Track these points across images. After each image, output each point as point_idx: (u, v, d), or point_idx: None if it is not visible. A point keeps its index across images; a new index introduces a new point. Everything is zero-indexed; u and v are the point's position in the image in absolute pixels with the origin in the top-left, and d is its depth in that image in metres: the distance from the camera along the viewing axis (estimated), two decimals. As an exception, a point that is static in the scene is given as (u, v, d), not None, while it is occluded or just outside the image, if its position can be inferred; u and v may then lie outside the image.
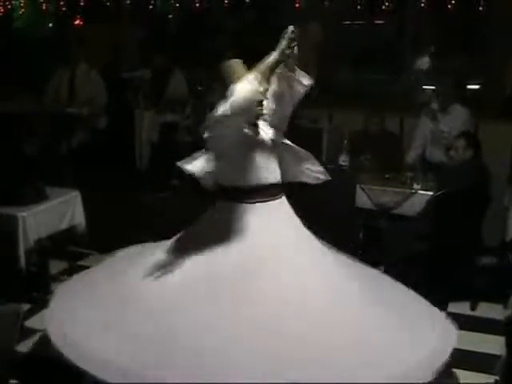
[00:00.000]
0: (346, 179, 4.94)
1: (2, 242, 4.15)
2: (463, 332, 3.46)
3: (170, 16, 8.03)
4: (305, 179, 3.41)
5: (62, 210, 4.54)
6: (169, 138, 6.57)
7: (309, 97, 3.33)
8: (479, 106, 5.74)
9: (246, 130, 3.03)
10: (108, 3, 7.59)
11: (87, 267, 4.26)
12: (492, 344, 3.80)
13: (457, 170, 4.52)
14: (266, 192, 3.21)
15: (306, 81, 3.20)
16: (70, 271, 4.51)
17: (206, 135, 3.00)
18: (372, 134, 5.44)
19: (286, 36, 3.08)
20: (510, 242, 4.47)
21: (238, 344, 2.85)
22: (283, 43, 3.08)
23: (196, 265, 3.16)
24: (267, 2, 7.05)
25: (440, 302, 3.73)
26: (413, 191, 4.71)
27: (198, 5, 7.33)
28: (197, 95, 6.55)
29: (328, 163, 5.46)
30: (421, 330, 3.17)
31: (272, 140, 3.23)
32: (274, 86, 3.21)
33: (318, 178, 3.42)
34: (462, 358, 3.36)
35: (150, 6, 7.57)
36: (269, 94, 3.16)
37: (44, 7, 7.92)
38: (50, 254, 4.59)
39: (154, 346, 2.88)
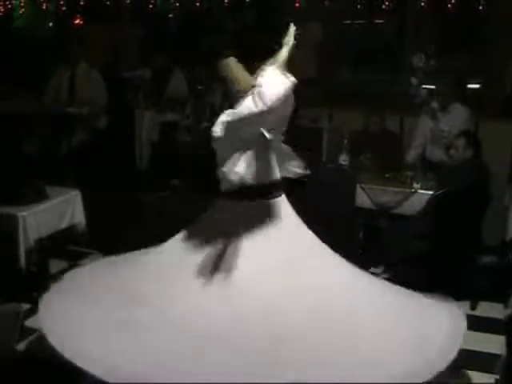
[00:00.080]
0: (346, 179, 4.94)
1: (2, 242, 4.15)
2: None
3: (170, 15, 8.04)
4: (285, 174, 3.39)
5: (62, 210, 4.55)
6: (169, 138, 6.58)
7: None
8: (479, 105, 5.73)
9: (264, 131, 3.03)
10: (108, 3, 7.60)
11: (87, 267, 4.26)
12: (492, 343, 3.80)
13: (457, 169, 4.52)
14: (267, 191, 3.21)
15: (291, 78, 3.22)
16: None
17: (218, 134, 2.96)
18: (372, 134, 5.44)
19: (291, 32, 3.14)
20: (510, 241, 4.47)
21: (238, 343, 2.85)
22: (290, 39, 3.13)
23: (196, 264, 3.16)
24: (267, 1, 7.05)
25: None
26: (413, 190, 4.70)
27: (198, 4, 7.34)
28: (197, 95, 6.55)
29: (328, 163, 5.49)
30: (426, 330, 3.15)
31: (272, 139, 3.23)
32: None
33: (298, 173, 3.40)
34: (462, 358, 3.36)
35: (150, 6, 7.58)
36: None
37: (44, 7, 7.93)
38: (50, 254, 4.60)
39: (152, 345, 2.88)
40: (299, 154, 3.36)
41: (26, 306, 3.82)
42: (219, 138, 2.96)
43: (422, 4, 6.28)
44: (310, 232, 3.35)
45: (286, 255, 3.16)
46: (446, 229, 4.24)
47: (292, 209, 3.35)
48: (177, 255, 3.26)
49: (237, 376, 2.72)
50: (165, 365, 2.80)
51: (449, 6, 6.14)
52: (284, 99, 3.00)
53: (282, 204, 3.30)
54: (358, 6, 6.61)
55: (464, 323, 3.23)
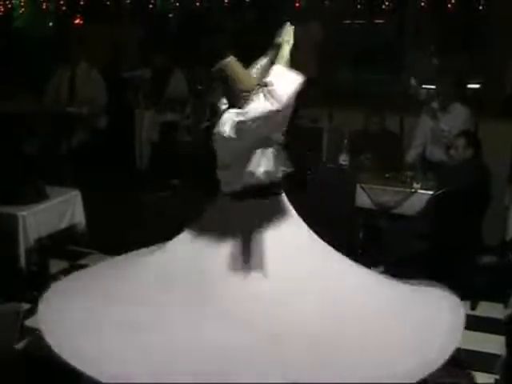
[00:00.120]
0: (346, 179, 4.94)
1: (3, 242, 4.16)
2: (463, 331, 3.44)
3: (170, 15, 8.04)
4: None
5: (62, 209, 4.55)
6: (169, 138, 6.58)
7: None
8: (479, 105, 5.74)
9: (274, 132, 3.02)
10: (108, 2, 7.60)
11: (87, 266, 4.25)
12: (492, 343, 3.81)
13: (457, 169, 4.52)
14: (267, 189, 3.20)
15: (300, 76, 3.22)
16: (70, 270, 4.50)
17: (229, 134, 2.91)
18: (372, 134, 5.44)
19: (289, 31, 3.15)
20: (510, 241, 4.47)
21: (238, 343, 2.85)
22: (289, 38, 3.14)
23: (197, 264, 3.16)
24: (267, 1, 7.05)
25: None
26: (413, 190, 4.71)
27: (198, 4, 7.34)
28: (197, 95, 6.54)
29: (328, 163, 5.49)
30: (426, 328, 3.15)
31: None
32: None
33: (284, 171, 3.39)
34: (462, 358, 3.37)
35: (150, 6, 7.58)
36: None
37: (44, 6, 7.93)
38: (50, 253, 4.60)
39: (151, 346, 2.88)
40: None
41: (25, 306, 3.83)
42: (231, 139, 2.92)
43: (422, 4, 6.28)
44: (311, 232, 3.35)
45: (286, 255, 3.16)
46: (446, 229, 4.24)
47: (292, 208, 3.35)
48: (178, 256, 3.26)
49: (237, 375, 2.72)
50: (164, 365, 2.79)
51: (449, 5, 6.14)
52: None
53: (282, 203, 3.30)
54: (358, 6, 6.61)
55: (463, 315, 3.23)
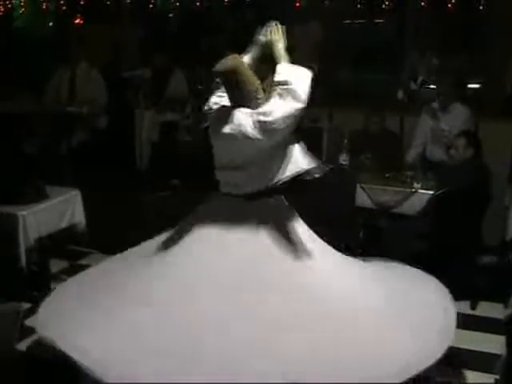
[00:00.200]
0: (346, 178, 4.94)
1: (3, 241, 4.16)
2: (463, 331, 3.45)
3: (171, 15, 8.05)
4: None
5: (62, 209, 4.55)
6: (169, 138, 6.58)
7: (309, 96, 3.32)
8: (479, 105, 5.75)
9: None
10: (108, 2, 7.61)
11: (87, 266, 4.25)
12: (492, 343, 3.80)
13: (457, 168, 4.52)
14: (267, 189, 3.20)
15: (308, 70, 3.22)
16: (71, 270, 4.51)
17: (255, 135, 2.86)
18: (372, 134, 5.44)
19: (274, 29, 3.10)
20: (510, 241, 4.46)
21: (238, 343, 2.84)
22: (278, 35, 3.09)
23: (198, 264, 3.16)
24: (267, 1, 7.05)
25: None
26: (413, 190, 4.70)
27: (198, 4, 7.35)
28: (197, 94, 6.55)
29: (328, 163, 5.48)
30: (422, 328, 3.15)
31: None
32: None
33: None
34: (462, 358, 3.37)
35: (151, 5, 7.59)
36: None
37: (44, 6, 7.94)
38: (50, 253, 4.60)
39: (152, 345, 2.88)
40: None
41: (26, 306, 3.82)
42: (256, 139, 2.86)
43: (422, 4, 6.29)
44: (311, 231, 3.35)
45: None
46: (446, 228, 4.24)
47: (292, 208, 3.35)
48: (196, 256, 3.23)
49: (237, 375, 2.72)
50: (165, 365, 2.79)
51: (449, 5, 6.15)
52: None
53: (282, 203, 3.30)
54: (358, 6, 6.62)
55: (454, 312, 3.18)
